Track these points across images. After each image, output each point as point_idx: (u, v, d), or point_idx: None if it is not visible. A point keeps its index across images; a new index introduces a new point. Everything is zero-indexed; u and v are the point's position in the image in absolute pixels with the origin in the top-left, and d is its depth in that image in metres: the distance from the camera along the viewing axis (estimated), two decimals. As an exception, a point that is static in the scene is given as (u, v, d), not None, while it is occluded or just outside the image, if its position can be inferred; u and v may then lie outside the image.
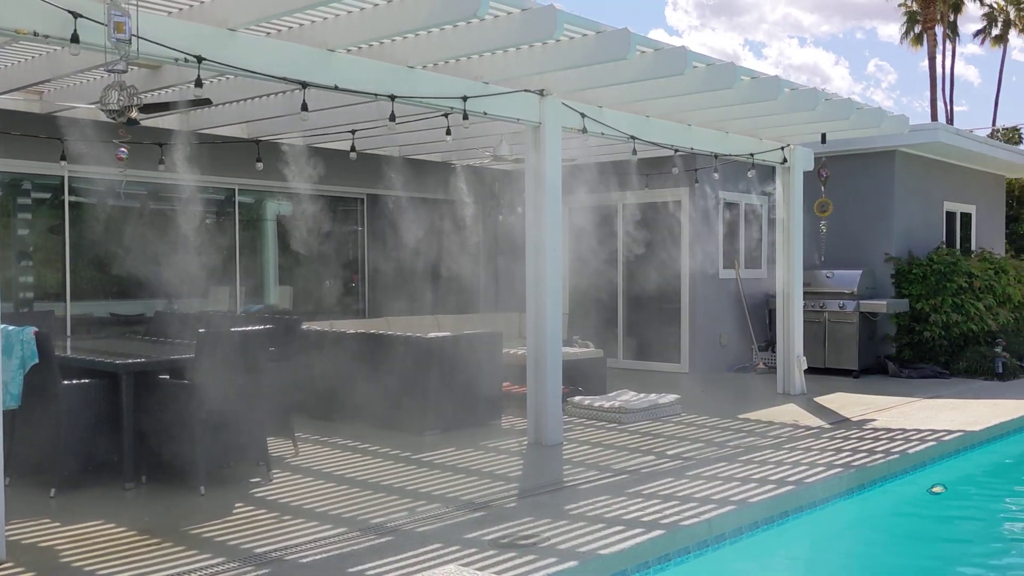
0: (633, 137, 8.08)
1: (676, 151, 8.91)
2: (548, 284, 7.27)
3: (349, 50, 6.24)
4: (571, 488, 5.90)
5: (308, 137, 9.77)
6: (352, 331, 8.43)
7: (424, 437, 7.54)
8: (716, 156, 9.33)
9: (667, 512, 5.22)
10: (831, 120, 8.68)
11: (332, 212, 11.51)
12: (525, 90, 7.14)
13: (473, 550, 4.58)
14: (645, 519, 5.08)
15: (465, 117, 6.75)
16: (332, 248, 11.48)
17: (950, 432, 7.71)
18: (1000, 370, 11.41)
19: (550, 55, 6.51)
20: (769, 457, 6.78)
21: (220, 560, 4.44)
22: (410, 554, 4.52)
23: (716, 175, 9.77)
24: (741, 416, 8.66)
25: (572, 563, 4.34)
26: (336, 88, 6.13)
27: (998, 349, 11.65)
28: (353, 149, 8.77)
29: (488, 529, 4.92)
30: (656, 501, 5.49)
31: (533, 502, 5.53)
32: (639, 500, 5.52)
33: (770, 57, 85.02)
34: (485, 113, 6.95)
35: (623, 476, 6.20)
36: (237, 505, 5.52)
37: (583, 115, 7.52)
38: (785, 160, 10.02)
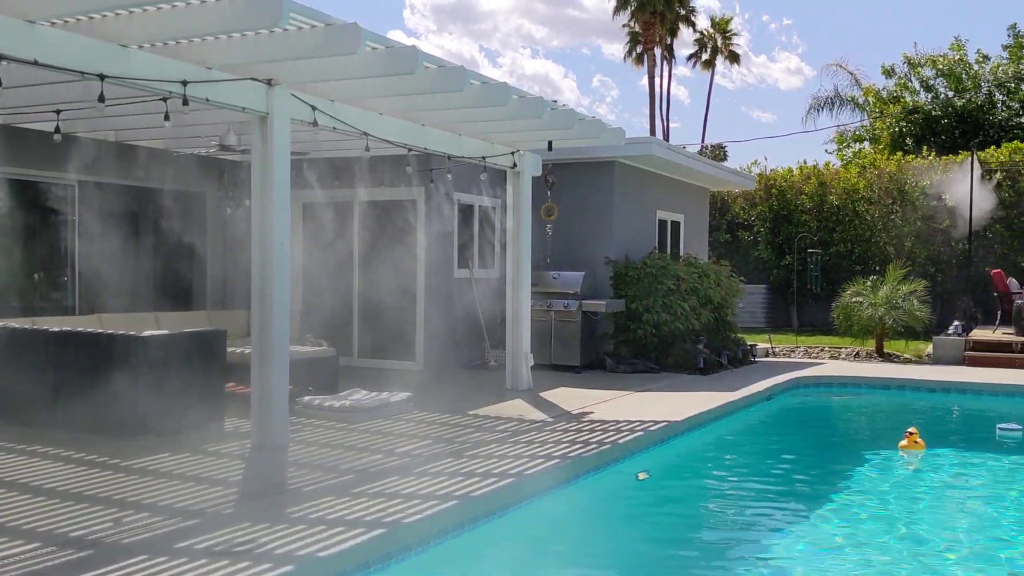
0: (366, 133, 8.02)
1: (410, 150, 8.95)
2: (275, 280, 7.04)
3: (53, 23, 5.69)
4: (295, 491, 5.75)
5: (6, 116, 8.81)
6: (56, 329, 7.70)
7: (136, 442, 7.02)
8: (450, 157, 9.48)
9: (391, 511, 5.22)
10: (556, 129, 9.10)
11: (39, 199, 10.46)
12: (252, 78, 6.86)
13: (183, 560, 4.33)
14: (368, 519, 5.05)
15: (185, 103, 6.37)
16: (39, 239, 10.44)
17: (656, 423, 8.34)
18: (702, 365, 12.51)
19: (278, 44, 6.30)
20: (494, 451, 6.99)
21: None
22: (111, 568, 4.19)
23: (450, 176, 9.93)
24: (471, 412, 8.86)
25: (288, 567, 4.21)
26: (36, 63, 5.56)
27: (700, 346, 12.77)
28: (58, 131, 8.00)
29: (201, 537, 4.67)
30: (381, 500, 5.47)
31: (253, 507, 5.32)
32: (364, 500, 5.48)
33: (505, 65, 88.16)
34: (208, 100, 6.60)
35: (349, 476, 6.13)
36: (-96, 527, 4.86)
37: (314, 108, 7.35)
38: (515, 165, 10.39)
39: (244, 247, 11.00)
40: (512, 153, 10.28)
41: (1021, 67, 24.64)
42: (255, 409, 7.14)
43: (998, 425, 9.26)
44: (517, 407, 9.26)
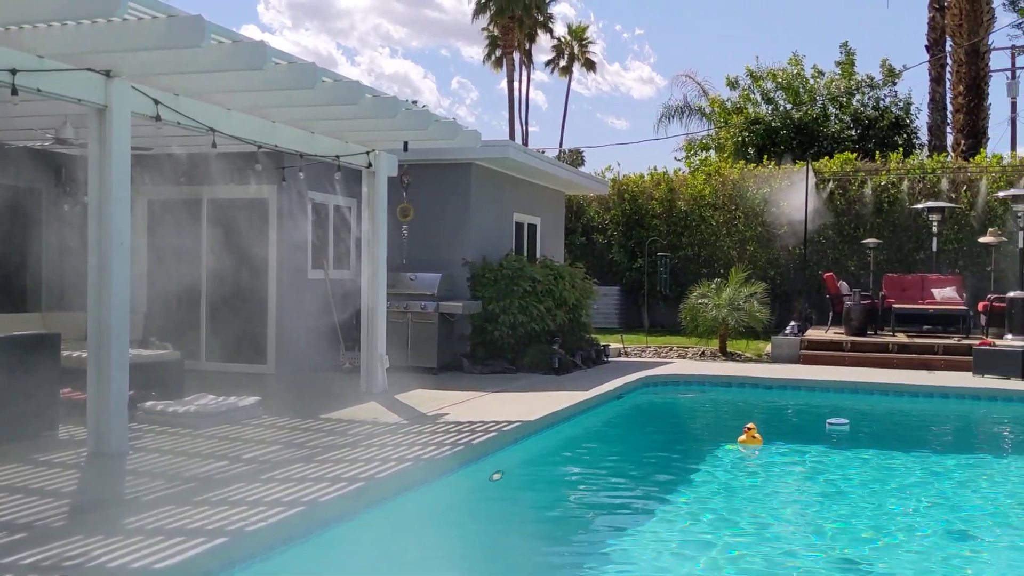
0: (213, 130, 7.77)
1: (260, 148, 8.73)
2: (114, 280, 6.72)
3: None
4: (133, 500, 5.50)
5: None
6: None
7: (-43, 455, 6.56)
8: (302, 156, 9.29)
9: (235, 518, 5.07)
10: (412, 129, 9.07)
11: None
12: (89, 69, 6.53)
13: (5, 579, 4.07)
14: (211, 527, 4.89)
15: (14, 92, 6.01)
16: None
17: (510, 423, 8.44)
18: (557, 365, 12.74)
19: (117, 34, 6.02)
20: (346, 455, 6.90)
21: None
22: (-78, 592, 3.90)
23: (302, 175, 9.74)
24: (323, 416, 8.72)
25: (123, 582, 4.04)
26: None
27: (556, 346, 13.01)
28: None
29: (27, 552, 4.40)
30: (225, 508, 5.31)
31: (86, 519, 5.06)
32: (207, 508, 5.30)
33: (363, 64, 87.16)
34: (39, 91, 6.24)
35: (192, 484, 5.91)
36: None
37: (157, 102, 7.06)
38: (370, 164, 10.29)
39: (82, 245, 10.45)
40: (367, 153, 10.18)
41: (852, 82, 26.31)
42: (91, 416, 6.79)
43: (827, 420, 9.85)
44: (371, 410, 9.17)
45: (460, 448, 7.28)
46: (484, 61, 52.59)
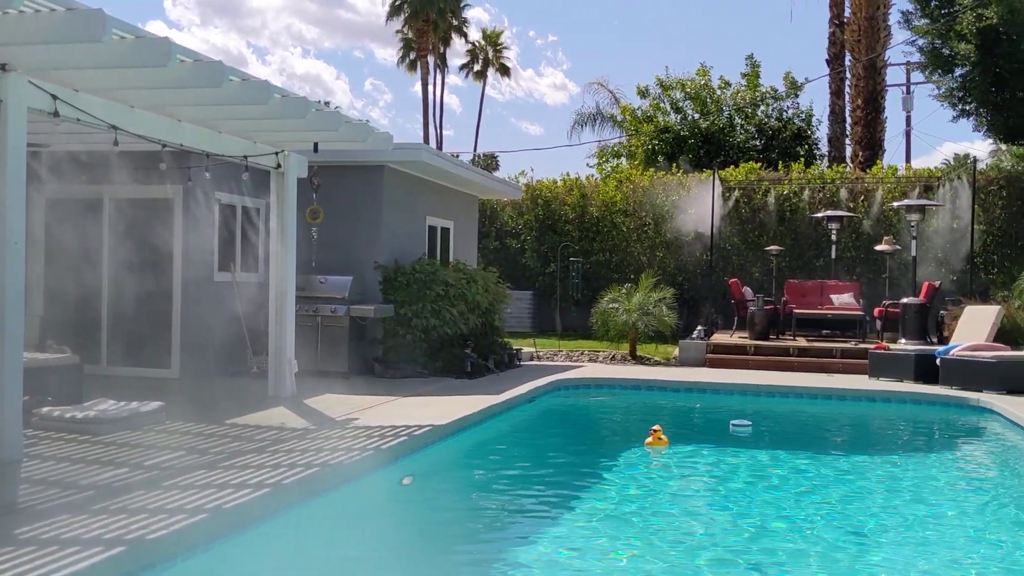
0: (114, 127, 7.54)
1: (164, 146, 8.51)
2: (7, 281, 6.45)
3: None
4: (27, 510, 5.30)
5: None
6: None
7: None
8: (208, 155, 9.09)
9: (134, 527, 4.93)
10: (322, 130, 8.98)
11: None
12: (-19, 61, 6.27)
13: None
14: (108, 536, 4.74)
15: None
16: None
17: (421, 427, 8.42)
18: (469, 368, 12.76)
19: (13, 26, 5.80)
20: (252, 461, 6.77)
21: None
22: None
23: (208, 175, 9.53)
24: (228, 421, 8.55)
25: (13, 594, 3.89)
26: None
27: (468, 350, 13.03)
28: None
29: (-92, 568, 4.20)
30: (124, 516, 5.15)
31: (-26, 530, 4.85)
32: (105, 516, 5.14)
33: (274, 64, 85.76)
34: (-73, 83, 5.97)
35: (90, 492, 5.72)
36: None
37: (55, 97, 6.82)
38: (279, 165, 10.14)
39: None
40: (276, 153, 10.02)
41: (757, 94, 27.10)
42: (-19, 423, 6.50)
43: (731, 421, 10.12)
44: (279, 415, 9.03)
45: (369, 453, 7.23)
46: (398, 64, 52.37)
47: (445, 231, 15.75)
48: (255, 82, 7.47)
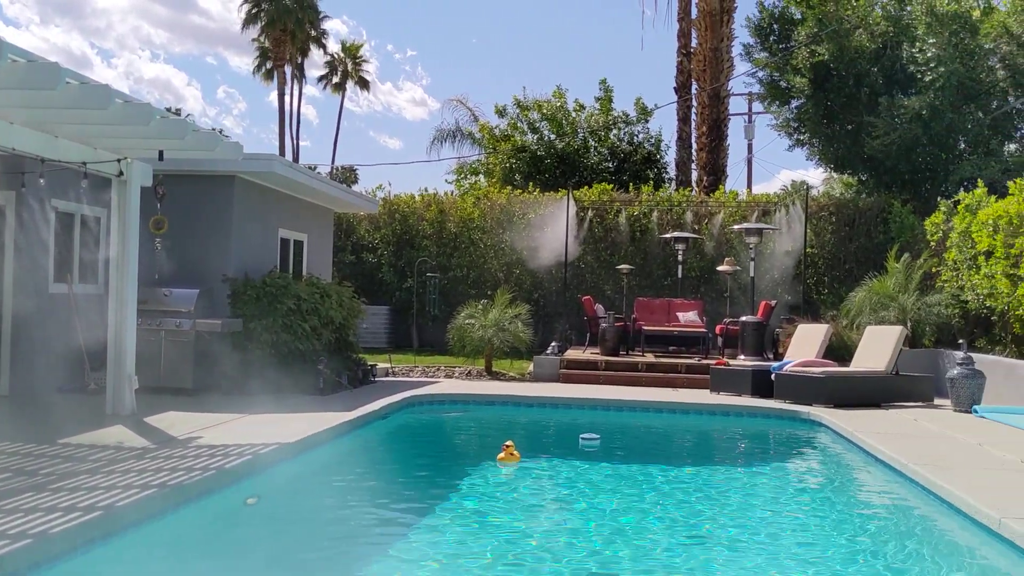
0: (-64, 128, 7.05)
1: (-6, 150, 8.02)
2: None
3: None
4: None
5: None
6: None
7: None
8: (43, 160, 8.62)
9: (-52, 555, 4.60)
10: (168, 138, 8.68)
11: None
12: None
13: None
14: (-82, 567, 4.41)
15: None
16: None
17: (267, 445, 8.22)
18: (322, 385, 12.55)
19: None
20: (84, 483, 6.44)
21: None
22: None
23: (43, 181, 9.02)
24: (62, 440, 8.10)
25: None
26: None
27: (320, 366, 12.81)
28: None
29: None
30: (-63, 544, 4.80)
31: None
32: (-86, 546, 4.77)
33: (120, 67, 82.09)
34: None
35: (-102, 520, 5.30)
36: None
37: None
38: (122, 173, 9.72)
39: None
40: (118, 161, 9.61)
41: (610, 118, 27.96)
42: None
43: (581, 436, 10.36)
44: (117, 434, 8.62)
45: (211, 473, 7.00)
46: (254, 72, 51.16)
47: (299, 244, 15.46)
48: (94, 86, 7.15)
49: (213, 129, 9.23)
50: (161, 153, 9.31)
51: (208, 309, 12.37)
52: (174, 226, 12.11)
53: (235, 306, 12.61)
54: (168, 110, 8.39)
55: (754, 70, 22.51)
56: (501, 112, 28.42)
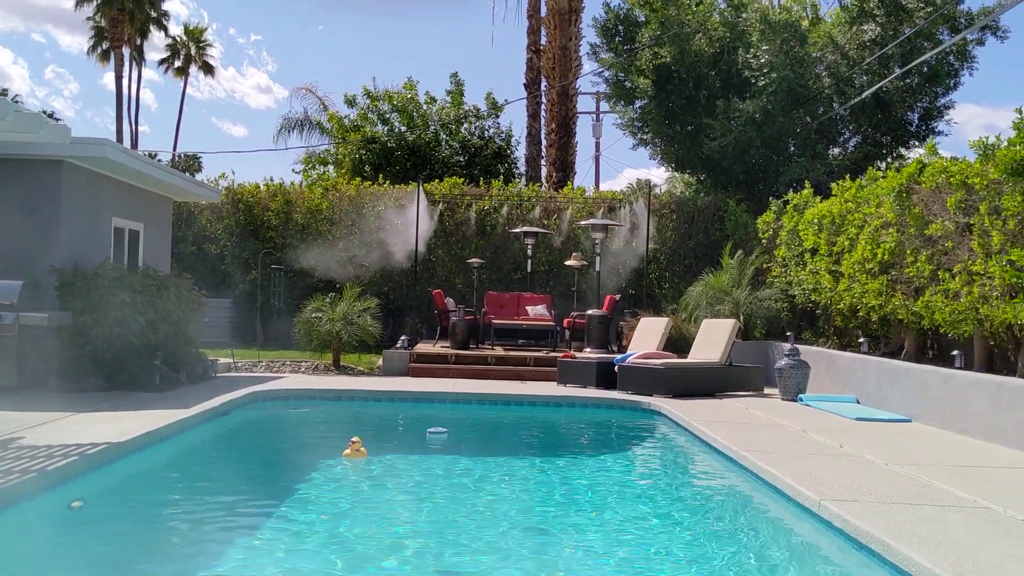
0: None
1: None
2: None
3: None
4: None
5: None
6: None
7: None
8: None
9: None
10: (-15, 119, 8.08)
11: None
12: None
13: None
14: None
15: None
16: None
17: (96, 445, 7.80)
18: (159, 381, 12.03)
19: None
20: None
21: None
22: None
23: None
24: None
25: None
26: None
27: (157, 362, 12.28)
28: None
29: None
30: None
31: None
32: None
33: (-63, 42, 75.96)
34: None
35: None
36: None
37: None
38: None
39: None
40: (-72, 142, 8.88)
41: (460, 111, 28.04)
42: None
43: (428, 430, 10.37)
44: (-75, 437, 7.98)
45: (32, 475, 6.58)
46: (88, 53, 48.43)
47: (134, 234, 14.73)
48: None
49: (44, 112, 8.64)
50: (-23, 134, 8.67)
51: (33, 302, 11.62)
52: (-7, 213, 11.30)
53: (64, 299, 11.90)
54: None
55: (600, 70, 23.07)
56: (351, 102, 27.98)
